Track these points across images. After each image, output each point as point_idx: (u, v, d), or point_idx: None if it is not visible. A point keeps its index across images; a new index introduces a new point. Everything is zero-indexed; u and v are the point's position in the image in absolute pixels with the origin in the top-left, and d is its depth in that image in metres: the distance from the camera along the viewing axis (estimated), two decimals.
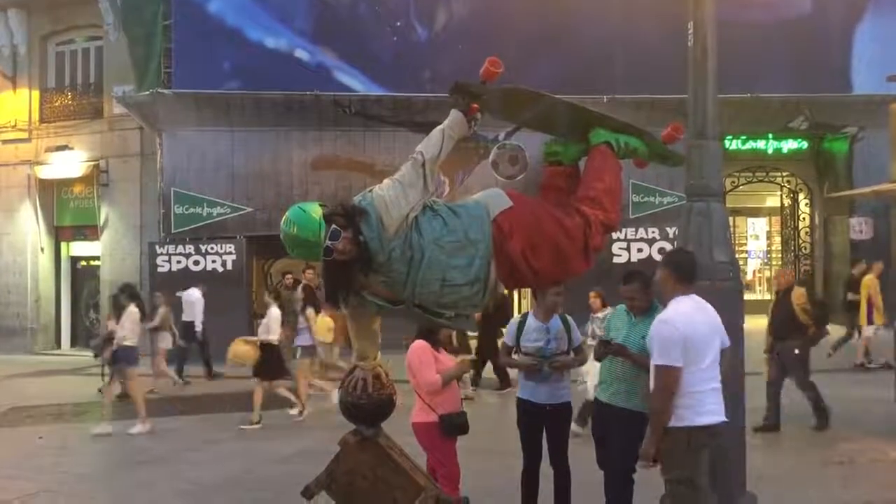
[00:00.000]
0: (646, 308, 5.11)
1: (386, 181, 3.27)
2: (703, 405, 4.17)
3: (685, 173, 4.84)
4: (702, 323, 4.20)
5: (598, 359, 5.31)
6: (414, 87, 15.98)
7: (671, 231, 16.23)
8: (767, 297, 22.03)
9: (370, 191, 3.28)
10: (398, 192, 3.20)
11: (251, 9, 16.80)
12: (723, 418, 4.23)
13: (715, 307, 4.62)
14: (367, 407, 3.72)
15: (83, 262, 20.85)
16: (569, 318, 5.72)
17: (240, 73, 16.72)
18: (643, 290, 5.11)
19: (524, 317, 5.80)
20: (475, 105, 3.41)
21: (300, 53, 16.76)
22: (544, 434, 5.59)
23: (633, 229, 16.47)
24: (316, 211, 3.18)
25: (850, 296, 14.12)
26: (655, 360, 4.18)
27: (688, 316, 4.15)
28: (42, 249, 20.32)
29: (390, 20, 16.91)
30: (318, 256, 3.19)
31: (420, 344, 5.41)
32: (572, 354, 5.69)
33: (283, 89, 16.27)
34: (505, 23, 15.89)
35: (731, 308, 4.74)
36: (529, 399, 5.60)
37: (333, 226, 3.14)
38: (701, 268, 4.63)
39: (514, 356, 5.75)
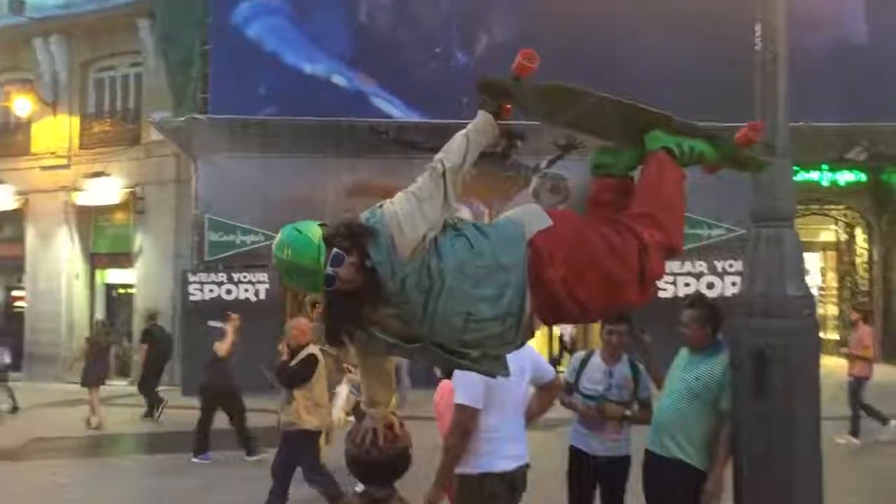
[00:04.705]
0: (703, 344, 4.48)
1: (399, 194, 2.71)
2: (502, 451, 4.08)
3: (753, 195, 4.23)
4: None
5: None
6: (452, 114, 15.49)
7: (720, 265, 15.62)
8: (820, 335, 21.06)
9: (380, 206, 2.72)
10: (413, 208, 2.63)
11: (289, 34, 16.59)
12: (522, 463, 4.15)
13: (788, 348, 4.00)
14: (378, 463, 3.12)
15: (121, 290, 20.64)
16: (639, 365, 5.08)
17: (276, 98, 16.44)
18: (698, 321, 4.49)
19: (590, 354, 5.19)
20: (507, 106, 2.86)
21: (337, 79, 16.47)
22: (597, 490, 4.98)
23: (680, 262, 15.73)
24: (315, 232, 2.63)
25: None
26: (456, 399, 4.07)
27: None
28: (77, 276, 20.19)
29: (430, 46, 16.55)
30: (318, 286, 2.63)
31: (449, 385, 4.85)
32: (636, 407, 5.00)
33: (320, 115, 15.91)
34: (547, 50, 15.28)
35: (805, 351, 4.08)
36: (582, 448, 5.01)
37: (335, 249, 2.58)
38: (773, 304, 4.01)
39: (574, 396, 5.08)
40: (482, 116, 2.86)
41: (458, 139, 2.80)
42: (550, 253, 2.68)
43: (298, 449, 7.23)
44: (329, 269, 2.58)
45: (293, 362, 7.40)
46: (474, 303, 2.64)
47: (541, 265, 2.67)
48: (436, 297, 2.62)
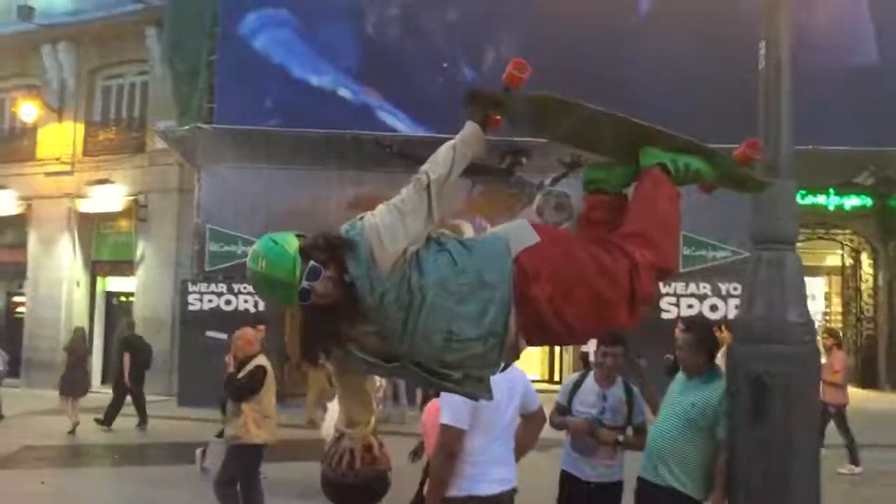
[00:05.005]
0: (699, 369, 4.34)
1: (380, 206, 2.61)
2: (488, 474, 3.87)
3: (753, 216, 4.09)
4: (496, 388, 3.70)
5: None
6: (457, 129, 15.38)
7: (724, 287, 15.45)
8: (823, 360, 20.80)
9: (361, 218, 2.61)
10: (395, 221, 2.53)
11: (296, 46, 16.57)
12: (509, 487, 3.94)
13: (788, 375, 3.86)
14: (354, 486, 2.98)
15: (122, 298, 20.51)
16: (634, 388, 4.95)
17: (281, 110, 16.43)
18: (692, 345, 4.36)
19: (583, 375, 5.07)
20: (496, 117, 2.75)
21: (343, 92, 16.43)
22: None
23: (684, 284, 15.59)
24: (291, 243, 2.51)
25: None
26: (441, 419, 3.88)
27: None
28: (78, 284, 20.11)
29: (437, 61, 16.48)
30: (293, 300, 2.51)
31: (436, 404, 4.71)
32: (630, 432, 4.87)
33: (325, 128, 15.85)
34: (554, 66, 15.30)
35: (806, 377, 3.94)
36: (573, 473, 4.87)
37: (312, 262, 2.46)
38: (773, 329, 3.87)
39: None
40: (469, 127, 2.77)
41: (444, 150, 2.71)
42: (536, 270, 2.55)
43: (240, 462, 7.03)
44: (305, 283, 2.47)
45: (241, 374, 7.17)
46: (456, 320, 2.52)
47: (526, 282, 2.54)
48: (416, 313, 2.50)
